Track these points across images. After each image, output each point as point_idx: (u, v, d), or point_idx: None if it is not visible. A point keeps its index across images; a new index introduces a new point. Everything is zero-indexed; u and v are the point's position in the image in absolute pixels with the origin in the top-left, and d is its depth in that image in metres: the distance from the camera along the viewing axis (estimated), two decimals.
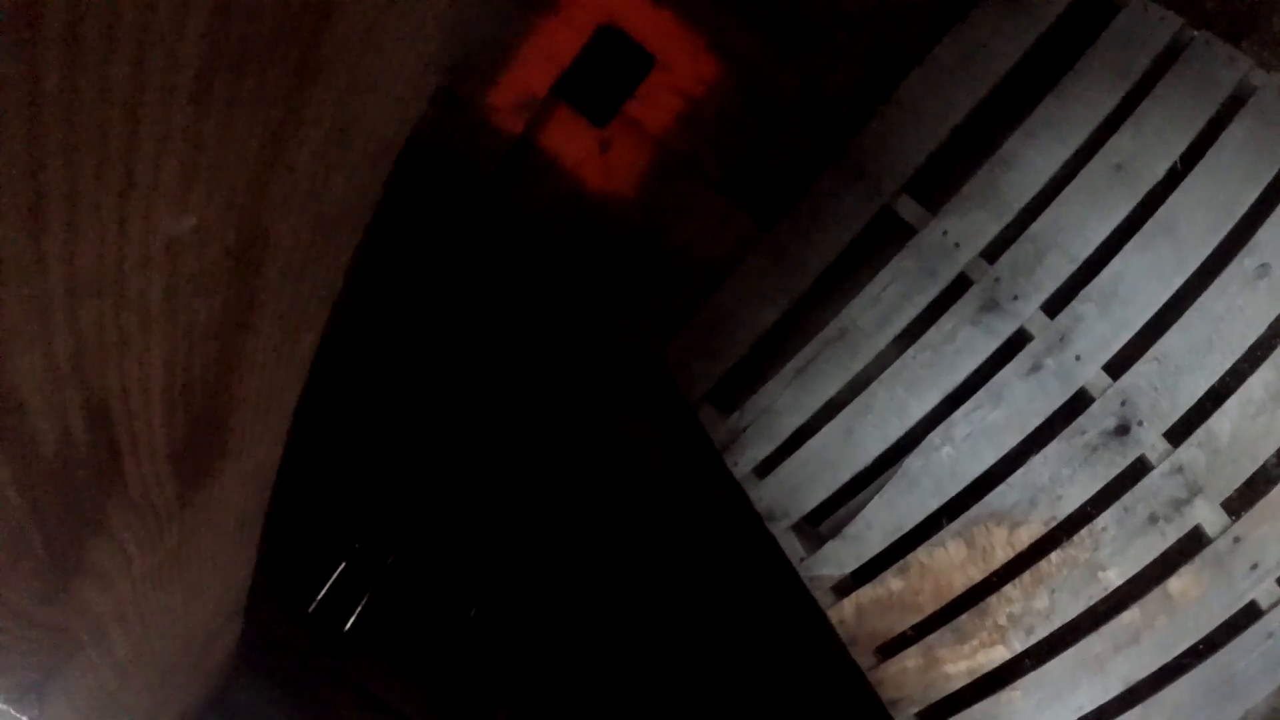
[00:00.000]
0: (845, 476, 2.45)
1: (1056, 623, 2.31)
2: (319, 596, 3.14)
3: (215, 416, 0.79)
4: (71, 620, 0.86)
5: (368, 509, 3.39)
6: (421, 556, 3.38)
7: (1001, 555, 2.34)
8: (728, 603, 3.22)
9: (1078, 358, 2.32)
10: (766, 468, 2.55)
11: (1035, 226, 2.37)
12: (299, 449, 3.22)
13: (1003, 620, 2.33)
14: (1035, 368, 2.34)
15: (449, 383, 3.24)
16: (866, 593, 2.42)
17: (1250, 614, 2.27)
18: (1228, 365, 2.27)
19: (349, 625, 3.13)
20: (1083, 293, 2.33)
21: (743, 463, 2.55)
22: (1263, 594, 2.25)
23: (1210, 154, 2.32)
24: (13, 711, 0.97)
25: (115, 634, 0.98)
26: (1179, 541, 2.28)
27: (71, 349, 0.52)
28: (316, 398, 3.19)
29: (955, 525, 2.35)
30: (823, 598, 2.45)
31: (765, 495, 2.52)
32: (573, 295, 2.82)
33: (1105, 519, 2.29)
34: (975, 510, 2.34)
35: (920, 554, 2.38)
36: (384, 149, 0.76)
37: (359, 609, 3.17)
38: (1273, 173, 2.29)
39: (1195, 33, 2.38)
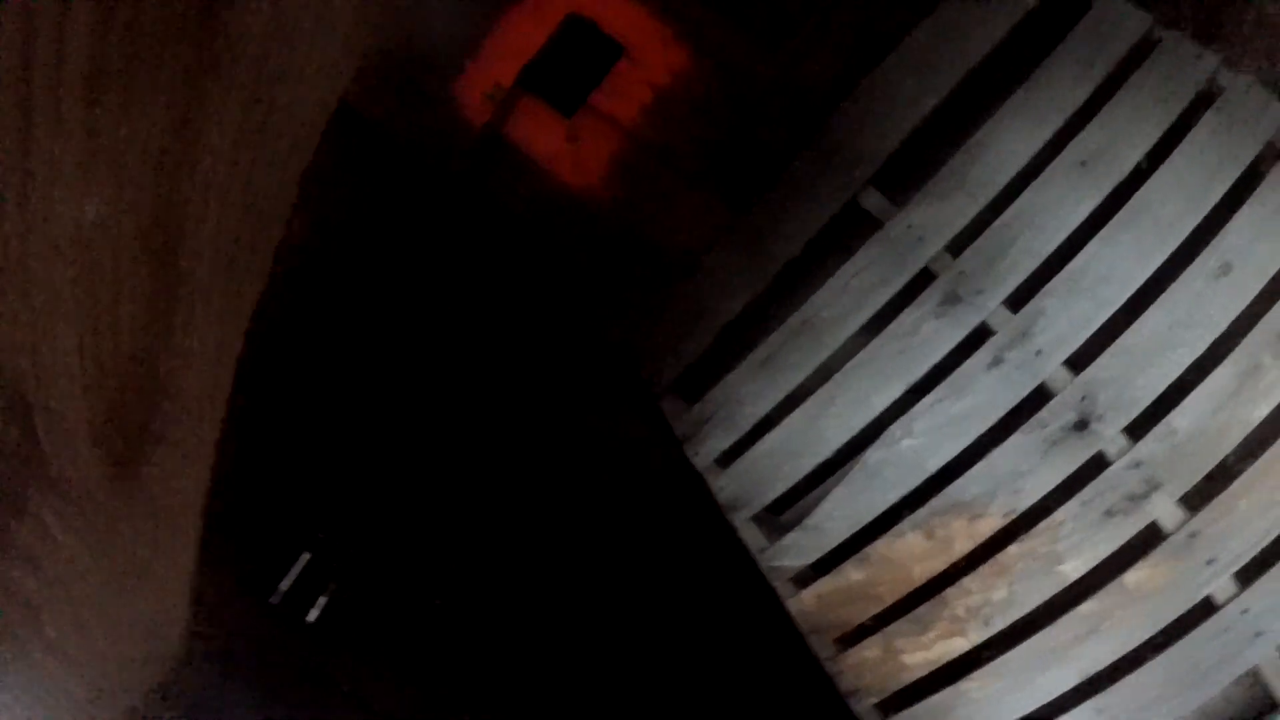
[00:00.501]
0: (808, 467, 2.48)
1: (1015, 614, 2.33)
2: (282, 588, 3.16)
3: (141, 400, 0.81)
4: (20, 606, 0.87)
5: (336, 502, 3.41)
6: (387, 546, 3.40)
7: (961, 547, 2.37)
8: (721, 601, 3.25)
9: (1039, 352, 2.35)
10: (728, 458, 2.56)
11: (1000, 220, 2.39)
12: (273, 439, 3.25)
13: (961, 611, 2.36)
14: (997, 361, 2.36)
15: (433, 379, 3.26)
16: (827, 583, 2.45)
17: (1206, 608, 2.31)
18: (1189, 362, 2.30)
19: (313, 617, 3.15)
20: (1046, 287, 2.35)
21: (704, 453, 2.57)
22: (1219, 589, 2.28)
23: (1176, 152, 2.34)
24: None
25: (46, 618, 1.00)
26: (1137, 535, 2.31)
27: None
28: (303, 391, 3.21)
29: (916, 517, 2.38)
30: (783, 588, 2.48)
31: (727, 485, 2.55)
32: (558, 291, 2.84)
33: (1064, 512, 2.32)
34: (936, 502, 2.37)
35: (881, 545, 2.41)
36: (306, 136, 0.77)
37: (324, 600, 3.19)
38: (1238, 172, 2.32)
39: (1165, 31, 2.41)
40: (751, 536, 2.53)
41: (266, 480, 3.35)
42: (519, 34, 2.58)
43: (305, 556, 3.26)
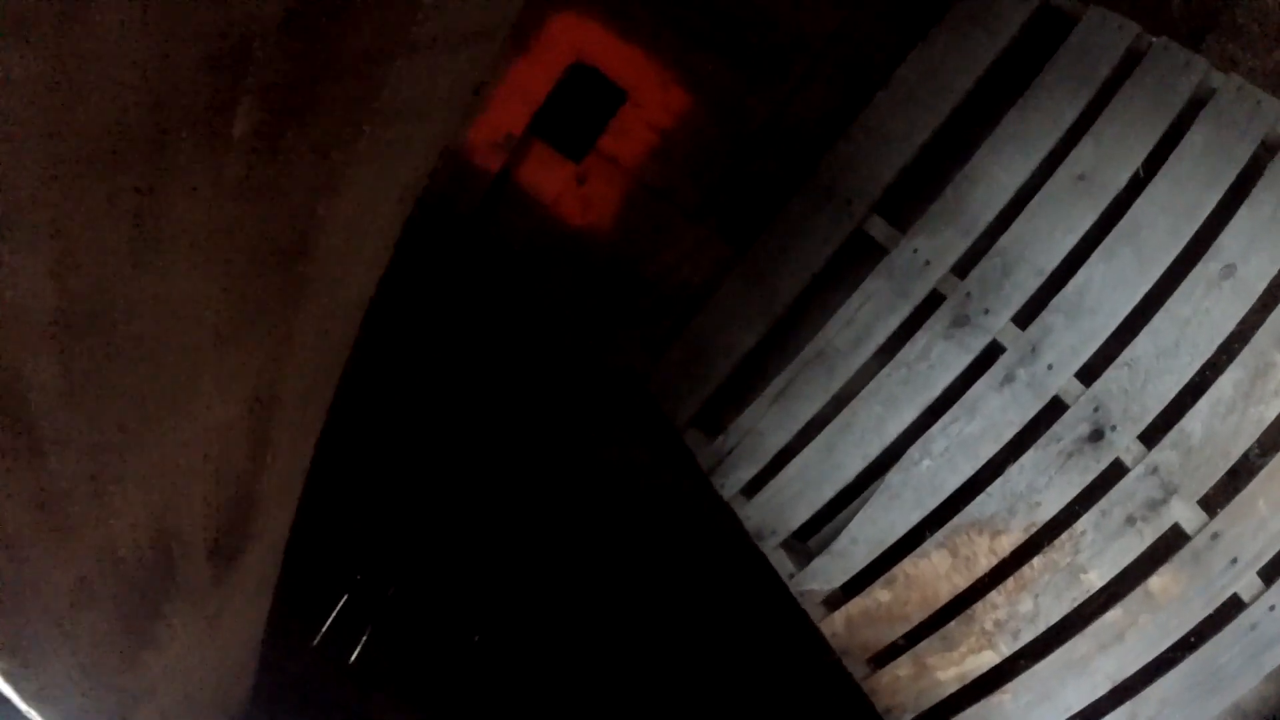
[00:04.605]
0: (829, 493, 2.75)
1: (1041, 626, 2.57)
2: (323, 629, 3.52)
3: (240, 520, 1.14)
4: (136, 682, 1.21)
5: (368, 540, 3.75)
6: (423, 586, 3.74)
7: (984, 563, 2.64)
8: (728, 622, 3.56)
9: (1050, 367, 2.61)
10: (753, 488, 2.84)
11: (1003, 240, 2.65)
12: (309, 486, 3.59)
13: (989, 626, 2.64)
14: (1008, 379, 2.64)
15: (445, 414, 3.59)
16: (856, 605, 2.74)
17: (1233, 607, 2.52)
18: (1197, 366, 2.51)
19: (354, 657, 3.50)
20: (1051, 304, 2.59)
21: (729, 484, 2.87)
22: (1244, 587, 2.50)
23: (1171, 160, 2.57)
24: None
25: (163, 688, 1.34)
26: (1158, 541, 2.52)
27: (145, 511, 0.88)
28: (335, 440, 3.55)
29: (938, 536, 2.64)
30: (814, 611, 2.77)
31: (753, 515, 2.85)
32: (560, 326, 3.16)
33: (1084, 523, 2.55)
34: (957, 521, 2.62)
35: (906, 565, 2.68)
36: (355, 316, 1.10)
37: (363, 640, 3.54)
38: (1234, 175, 2.53)
39: (1153, 39, 2.65)
40: (780, 563, 2.82)
41: (305, 525, 3.70)
42: (526, 83, 2.89)
43: (344, 598, 3.62)
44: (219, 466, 0.97)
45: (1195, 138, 2.57)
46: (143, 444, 0.80)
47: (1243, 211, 2.54)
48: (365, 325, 3.41)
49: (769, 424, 2.82)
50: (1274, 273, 2.52)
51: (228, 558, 1.21)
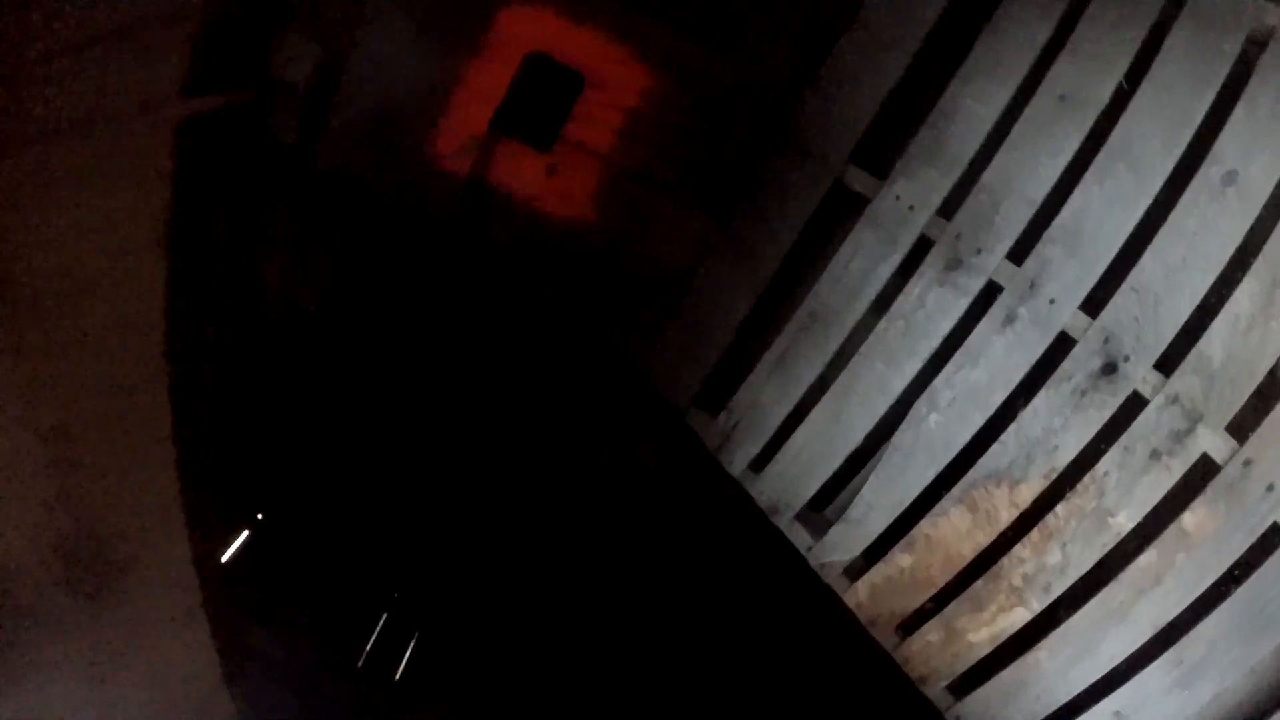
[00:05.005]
0: (839, 459, 2.65)
1: (1073, 576, 2.44)
2: (366, 649, 3.55)
3: (93, 551, 1.12)
4: (34, 713, 1.20)
5: (400, 558, 3.77)
6: (457, 593, 3.75)
7: (1006, 516, 2.51)
8: (764, 620, 3.49)
9: (1052, 301, 2.48)
10: (761, 462, 2.75)
11: (987, 175, 2.52)
12: (322, 513, 3.63)
13: (1017, 581, 2.52)
14: (1010, 319, 2.52)
15: (444, 418, 3.59)
16: (878, 572, 2.63)
17: (1275, 536, 2.36)
18: (1209, 283, 2.36)
19: (398, 674, 3.52)
20: (1046, 234, 2.46)
21: (736, 461, 2.78)
22: None
23: (1155, 67, 2.42)
24: None
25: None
26: (1187, 474, 2.38)
27: None
28: (333, 457, 3.58)
29: (955, 493, 2.52)
30: (836, 583, 2.68)
31: (765, 489, 2.76)
32: (557, 325, 3.12)
33: (1106, 462, 2.42)
34: (972, 474, 2.50)
35: (925, 526, 2.57)
36: (138, 319, 1.07)
37: (406, 656, 3.56)
38: (1223, 75, 2.38)
39: None
40: (797, 536, 2.72)
41: (334, 551, 3.75)
42: (482, 82, 2.87)
43: (384, 617, 3.64)
44: (34, 496, 0.95)
45: (1177, 41, 2.43)
46: None
47: (1238, 113, 2.39)
48: (364, 335, 3.44)
49: (770, 395, 2.74)
50: None
51: (94, 590, 1.19)
